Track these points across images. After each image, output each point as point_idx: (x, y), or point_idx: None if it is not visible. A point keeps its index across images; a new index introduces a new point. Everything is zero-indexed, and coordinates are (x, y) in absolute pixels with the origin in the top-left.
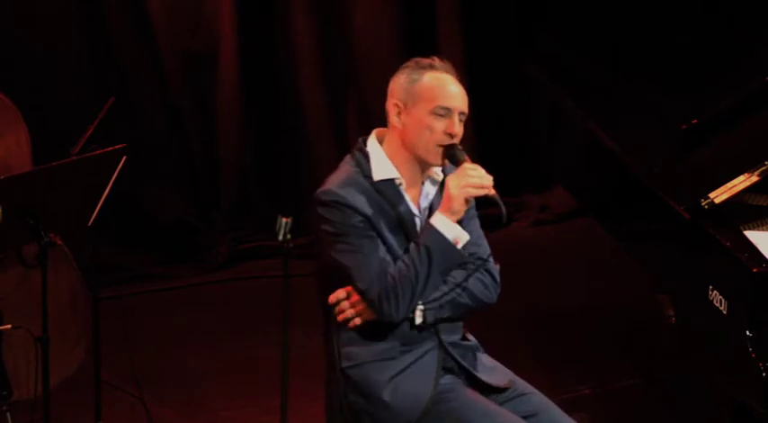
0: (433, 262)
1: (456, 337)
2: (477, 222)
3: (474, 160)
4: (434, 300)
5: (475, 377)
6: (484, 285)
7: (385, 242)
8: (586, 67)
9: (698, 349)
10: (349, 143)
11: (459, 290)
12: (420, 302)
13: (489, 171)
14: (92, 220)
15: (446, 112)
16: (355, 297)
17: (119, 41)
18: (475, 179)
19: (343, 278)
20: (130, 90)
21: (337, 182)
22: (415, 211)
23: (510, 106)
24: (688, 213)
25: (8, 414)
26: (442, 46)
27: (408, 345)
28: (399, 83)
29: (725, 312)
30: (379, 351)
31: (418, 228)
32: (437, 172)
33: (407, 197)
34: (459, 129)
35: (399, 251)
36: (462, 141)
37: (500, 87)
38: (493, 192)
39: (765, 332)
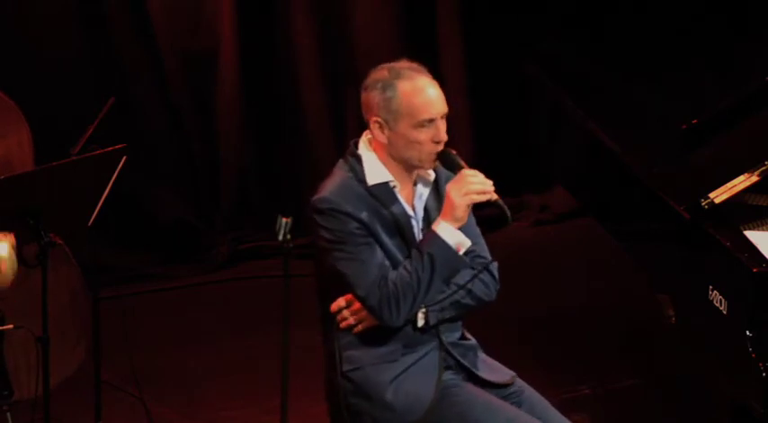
0: (436, 269)
1: (456, 337)
2: (472, 219)
3: (474, 160)
4: (437, 302)
5: (476, 375)
6: (484, 284)
7: (383, 246)
8: (586, 67)
9: (698, 349)
10: (349, 143)
11: (462, 291)
12: (422, 305)
13: (489, 171)
14: (92, 220)
15: (429, 123)
16: (356, 305)
17: (119, 41)
18: (477, 185)
19: (342, 285)
20: (130, 90)
21: (332, 188)
22: (411, 212)
23: (510, 106)
24: (688, 213)
25: (8, 414)
26: (441, 46)
27: (410, 347)
28: (375, 101)
29: (725, 312)
30: (381, 354)
31: (415, 229)
32: (428, 172)
33: (402, 199)
34: (444, 132)
35: (398, 254)
36: (462, 142)
37: (500, 87)
38: (495, 196)
39: (765, 332)
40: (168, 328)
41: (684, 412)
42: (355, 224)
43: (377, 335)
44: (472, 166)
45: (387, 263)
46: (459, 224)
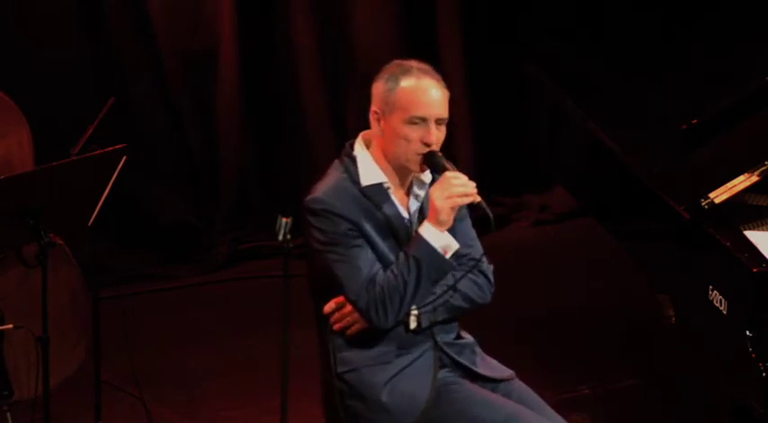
0: (422, 272)
1: (451, 337)
2: (468, 222)
3: (474, 160)
4: (428, 303)
5: (474, 372)
6: (477, 286)
7: (376, 248)
8: (586, 67)
9: (698, 349)
10: (345, 144)
11: (451, 292)
12: (414, 307)
13: (490, 171)
14: (92, 220)
15: (421, 121)
16: (348, 307)
17: (119, 41)
18: (459, 188)
19: (333, 285)
20: (130, 90)
21: (325, 189)
22: (405, 214)
23: (510, 106)
24: (688, 213)
25: (8, 414)
26: (441, 46)
27: (404, 348)
28: (378, 91)
29: (725, 312)
30: (375, 355)
31: (410, 231)
32: (425, 173)
33: (396, 201)
34: (436, 136)
35: (391, 256)
36: (462, 142)
37: (500, 87)
38: (478, 199)
39: (765, 332)
40: (168, 328)
41: (684, 412)
42: (348, 225)
43: (371, 336)
44: (473, 166)
45: (378, 265)
46: (445, 227)
